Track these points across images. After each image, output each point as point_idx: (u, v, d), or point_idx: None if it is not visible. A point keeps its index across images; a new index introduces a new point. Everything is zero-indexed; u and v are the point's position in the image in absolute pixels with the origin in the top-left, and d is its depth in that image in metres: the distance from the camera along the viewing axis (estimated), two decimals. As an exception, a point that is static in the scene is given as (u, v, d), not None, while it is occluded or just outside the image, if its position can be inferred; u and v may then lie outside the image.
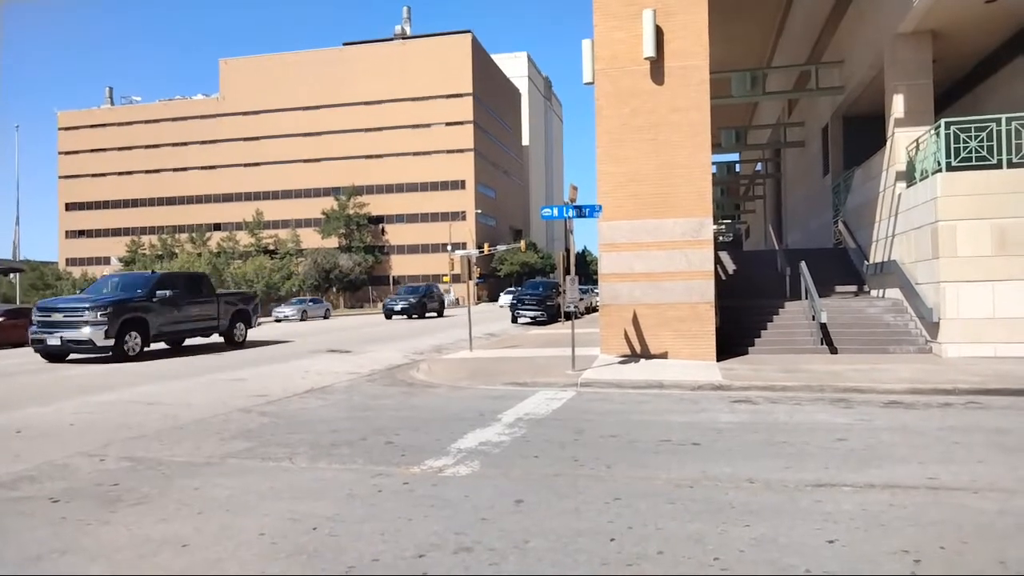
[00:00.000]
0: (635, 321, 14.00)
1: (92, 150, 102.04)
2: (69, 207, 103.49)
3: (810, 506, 4.94)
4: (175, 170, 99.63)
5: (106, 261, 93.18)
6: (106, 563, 4.18)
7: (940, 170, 13.27)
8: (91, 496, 5.58)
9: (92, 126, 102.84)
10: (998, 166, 13.06)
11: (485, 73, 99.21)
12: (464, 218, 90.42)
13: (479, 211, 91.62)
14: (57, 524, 4.91)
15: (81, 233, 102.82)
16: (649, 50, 13.63)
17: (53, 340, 16.82)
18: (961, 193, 13.00)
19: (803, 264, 16.20)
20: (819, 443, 6.91)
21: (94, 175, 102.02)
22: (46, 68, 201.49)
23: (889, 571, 3.83)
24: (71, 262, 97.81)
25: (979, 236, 12.90)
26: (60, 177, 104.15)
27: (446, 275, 62.28)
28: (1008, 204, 12.80)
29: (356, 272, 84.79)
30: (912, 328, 14.61)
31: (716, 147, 26.96)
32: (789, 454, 6.50)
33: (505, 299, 62.49)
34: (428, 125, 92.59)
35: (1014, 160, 13.01)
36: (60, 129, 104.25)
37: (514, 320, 30.46)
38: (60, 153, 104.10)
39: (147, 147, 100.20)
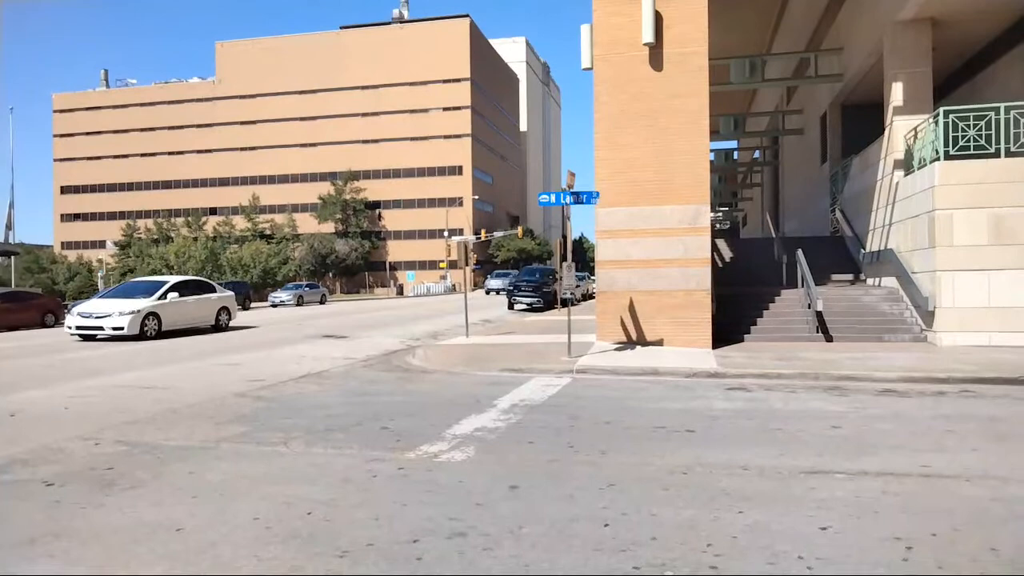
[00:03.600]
0: (631, 308, 14.00)
1: (87, 133, 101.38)
2: (64, 190, 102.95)
3: (803, 493, 4.96)
4: (171, 153, 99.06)
5: (101, 245, 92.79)
6: (100, 546, 4.18)
7: (938, 159, 13.25)
8: (85, 480, 5.58)
9: (87, 108, 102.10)
10: (996, 155, 13.04)
11: (483, 58, 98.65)
12: (461, 204, 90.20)
13: (476, 197, 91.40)
14: (51, 507, 4.91)
15: (76, 216, 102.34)
16: (648, 36, 13.55)
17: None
18: (959, 182, 12.99)
19: (800, 252, 16.20)
20: (813, 431, 6.94)
21: (89, 158, 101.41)
22: (41, 50, 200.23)
23: (881, 557, 3.84)
24: (66, 245, 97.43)
25: (976, 225, 12.90)
26: (55, 160, 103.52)
27: (443, 261, 62.20)
28: (1005, 193, 12.79)
29: (353, 257, 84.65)
30: (908, 317, 14.64)
31: (714, 134, 26.88)
32: (783, 441, 6.52)
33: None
34: (425, 110, 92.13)
35: (1012, 149, 12.99)
36: (55, 111, 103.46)
37: (510, 307, 30.46)
38: (55, 136, 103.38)
39: (143, 130, 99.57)
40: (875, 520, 4.40)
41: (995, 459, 5.85)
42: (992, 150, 13.08)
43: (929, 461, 5.76)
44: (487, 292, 53.21)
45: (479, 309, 30.88)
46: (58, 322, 29.11)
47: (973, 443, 6.40)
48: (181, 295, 20.25)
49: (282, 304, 43.03)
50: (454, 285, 76.68)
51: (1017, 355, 11.63)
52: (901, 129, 15.71)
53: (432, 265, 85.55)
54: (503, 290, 45.55)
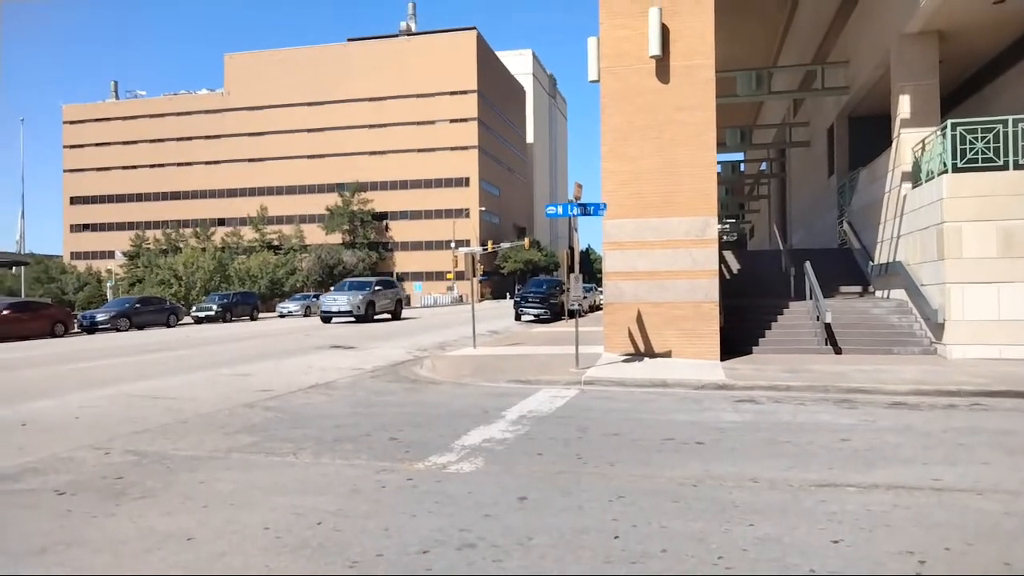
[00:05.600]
0: (639, 320, 13.99)
1: (97, 144, 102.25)
2: (74, 201, 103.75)
3: (814, 506, 4.94)
4: (179, 165, 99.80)
5: (110, 255, 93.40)
6: (111, 556, 4.19)
7: (946, 171, 13.23)
8: (96, 489, 5.60)
9: (97, 120, 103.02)
10: (1004, 168, 13.02)
11: (490, 70, 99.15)
12: (468, 215, 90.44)
13: (483, 208, 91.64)
14: (62, 517, 4.93)
15: (85, 227, 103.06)
16: (655, 48, 13.61)
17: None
18: (967, 195, 12.96)
19: (807, 264, 16.16)
20: (823, 443, 6.90)
21: (99, 169, 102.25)
22: (51, 62, 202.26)
23: (893, 572, 3.82)
24: (75, 256, 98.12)
25: (985, 238, 12.86)
26: (65, 171, 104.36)
27: (450, 272, 62.27)
28: (1014, 206, 12.75)
29: (360, 268, 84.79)
30: (917, 329, 14.58)
31: (721, 146, 26.90)
32: (793, 454, 6.50)
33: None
34: (432, 122, 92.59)
35: (1020, 162, 12.96)
36: (65, 123, 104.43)
37: (518, 318, 30.45)
38: (65, 147, 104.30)
39: (151, 141, 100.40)
40: (887, 534, 4.38)
41: (1007, 472, 5.82)
42: (1000, 163, 13.06)
43: (940, 474, 5.73)
44: (324, 319, 31.79)
45: (486, 320, 30.89)
46: (67, 332, 29.31)
47: (984, 456, 6.36)
48: None
49: (290, 315, 43.18)
50: (461, 296, 76.72)
51: (1027, 368, 11.56)
52: (908, 141, 15.70)
53: (439, 276, 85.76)
54: (346, 313, 30.50)
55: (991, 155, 13.12)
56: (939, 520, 4.63)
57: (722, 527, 4.51)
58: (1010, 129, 13.04)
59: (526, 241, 79.80)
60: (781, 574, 3.79)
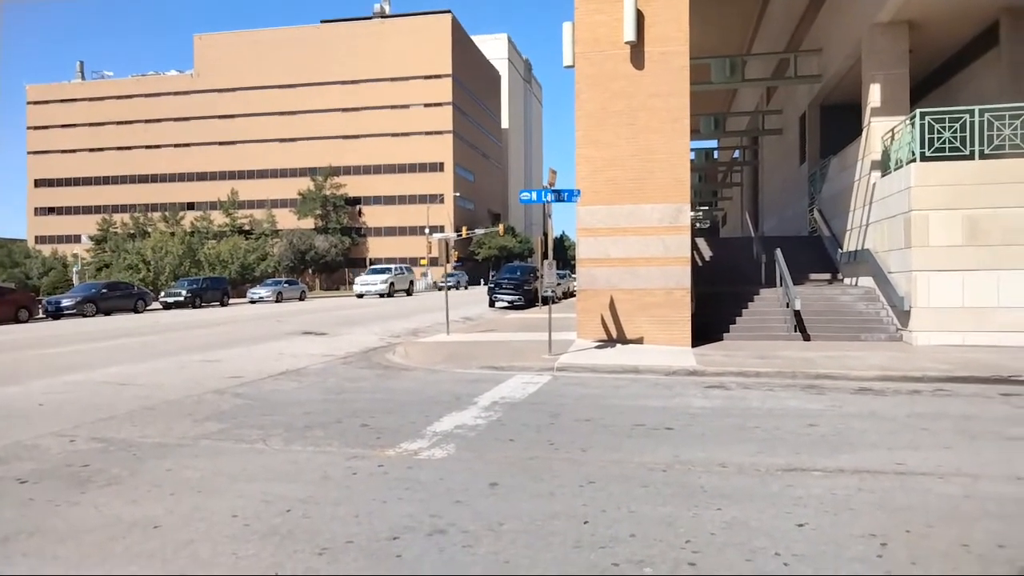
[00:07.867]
0: (612, 306, 14.05)
1: (62, 125, 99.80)
2: (38, 183, 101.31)
3: (781, 490, 5.01)
4: (148, 147, 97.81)
5: (76, 239, 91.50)
6: (75, 544, 4.13)
7: (914, 160, 13.42)
8: (60, 477, 5.51)
9: (62, 101, 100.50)
10: (971, 157, 13.24)
11: (465, 54, 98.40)
12: (442, 201, 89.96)
13: (457, 194, 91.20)
14: (25, 505, 4.84)
15: (51, 210, 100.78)
16: (630, 34, 13.59)
17: None
18: (934, 183, 13.17)
19: (778, 251, 16.34)
20: (790, 428, 7.01)
21: (64, 151, 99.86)
22: (16, 40, 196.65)
23: (856, 554, 3.90)
24: (40, 240, 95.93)
25: (951, 226, 13.09)
26: (29, 152, 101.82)
27: (423, 258, 62.02)
28: (979, 195, 12.99)
29: (332, 254, 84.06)
30: (884, 316, 14.83)
31: (695, 133, 27.03)
32: (761, 439, 6.58)
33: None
34: (406, 106, 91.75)
35: (986, 151, 13.19)
36: (29, 103, 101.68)
37: (491, 304, 30.44)
38: (29, 128, 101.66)
39: (119, 123, 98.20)
40: (851, 517, 4.46)
41: (967, 456, 5.95)
42: (967, 152, 13.28)
43: (904, 459, 5.84)
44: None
45: (460, 306, 30.83)
46: (32, 317, 28.71)
47: (946, 441, 6.50)
48: None
49: (261, 300, 42.67)
50: (435, 282, 76.44)
51: (990, 354, 11.83)
52: (878, 130, 15.89)
53: (413, 262, 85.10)
54: None
55: (958, 144, 13.32)
56: (901, 503, 4.73)
57: (690, 511, 4.56)
58: (976, 119, 13.24)
59: (500, 227, 79.64)
60: (748, 557, 3.85)
